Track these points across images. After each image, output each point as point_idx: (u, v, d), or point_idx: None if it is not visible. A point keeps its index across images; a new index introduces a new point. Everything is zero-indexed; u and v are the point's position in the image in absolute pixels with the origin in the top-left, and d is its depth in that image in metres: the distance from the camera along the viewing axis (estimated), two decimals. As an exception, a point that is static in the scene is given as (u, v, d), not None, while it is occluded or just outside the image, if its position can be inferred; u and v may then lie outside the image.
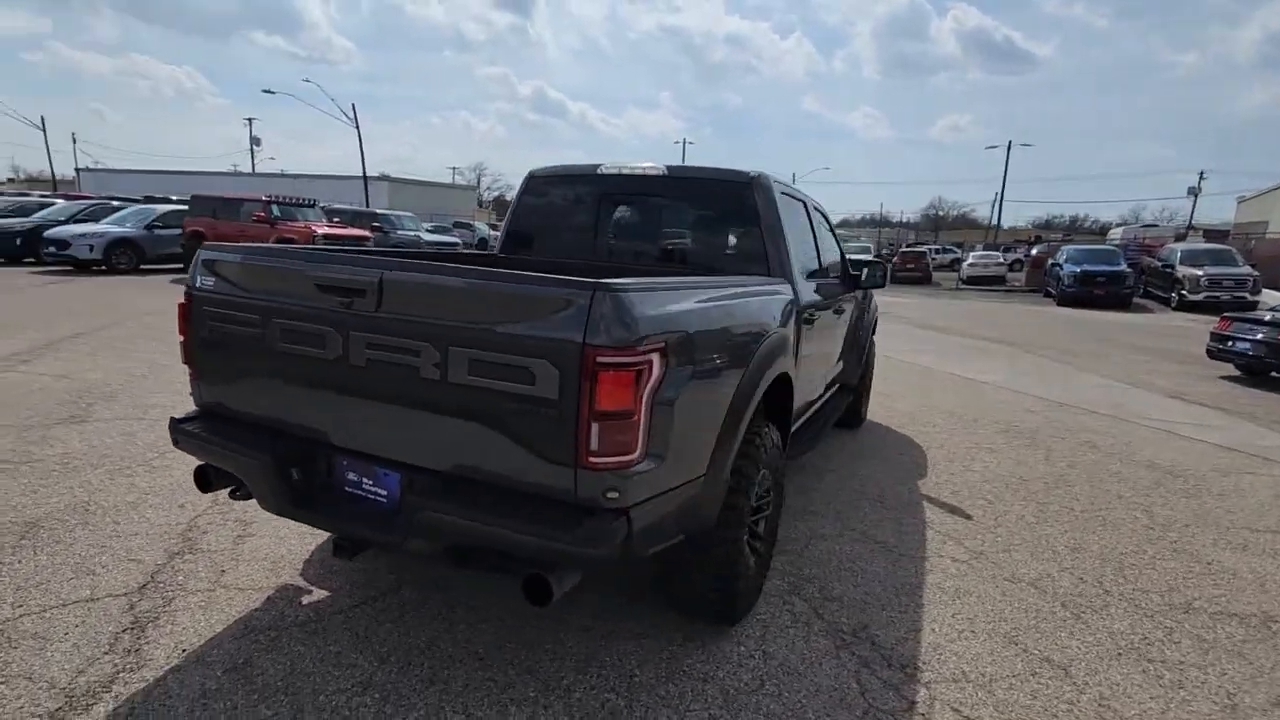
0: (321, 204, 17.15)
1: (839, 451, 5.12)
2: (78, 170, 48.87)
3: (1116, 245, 26.48)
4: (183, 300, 2.42)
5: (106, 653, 2.32)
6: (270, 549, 3.10)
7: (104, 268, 14.38)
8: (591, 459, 1.80)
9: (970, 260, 30.17)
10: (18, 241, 15.40)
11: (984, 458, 5.19)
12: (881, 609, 2.91)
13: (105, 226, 15.23)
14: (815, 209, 4.43)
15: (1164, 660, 2.65)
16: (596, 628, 2.65)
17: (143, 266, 15.00)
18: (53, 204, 19.06)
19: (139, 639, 2.40)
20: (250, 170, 53.01)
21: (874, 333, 6.16)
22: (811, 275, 3.93)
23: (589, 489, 1.83)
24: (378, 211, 22.83)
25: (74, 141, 62.26)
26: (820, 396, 4.26)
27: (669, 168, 3.51)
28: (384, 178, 42.45)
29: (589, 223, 3.68)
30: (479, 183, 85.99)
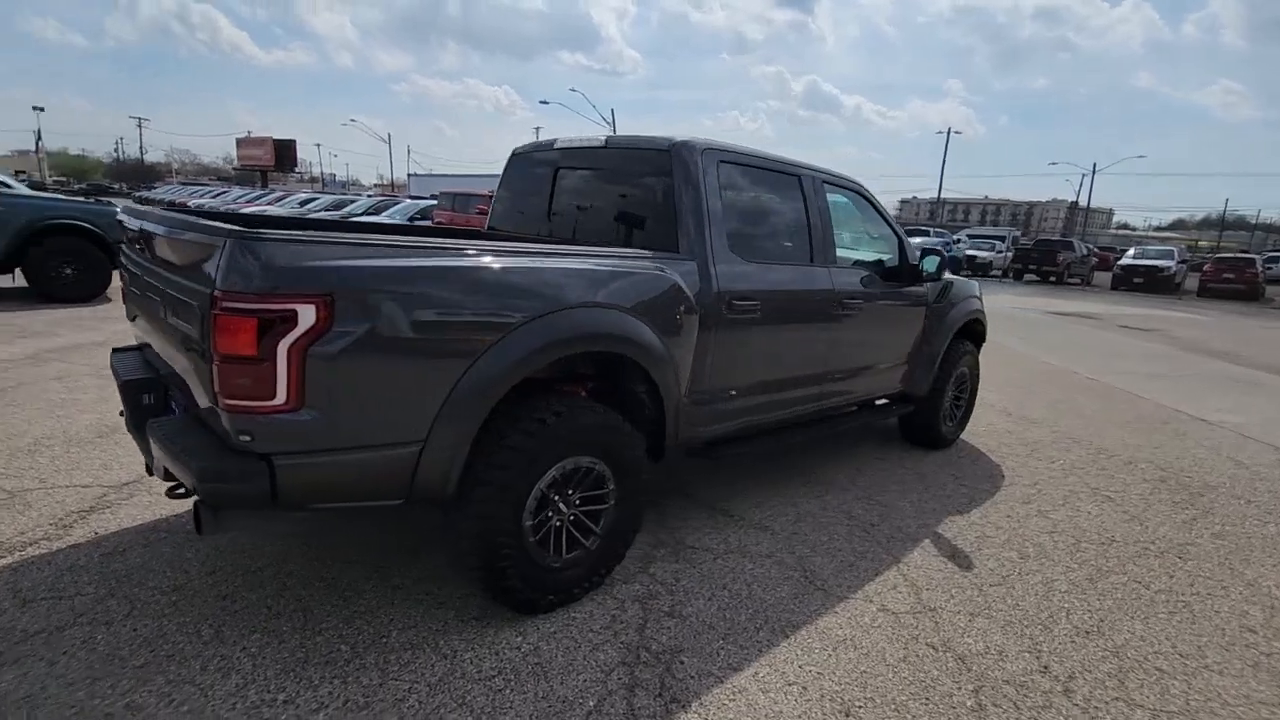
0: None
1: (859, 475, 4.41)
2: (409, 175, 59.90)
3: None
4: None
5: None
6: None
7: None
8: (223, 400, 1.86)
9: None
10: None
11: (1058, 509, 4.08)
12: (722, 640, 2.50)
13: (378, 220, 18.56)
14: (832, 190, 3.85)
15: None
16: (408, 588, 2.68)
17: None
18: (354, 200, 23.68)
19: (80, 520, 3.02)
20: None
21: (976, 340, 5.15)
22: (788, 262, 3.46)
23: (226, 430, 1.90)
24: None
25: (408, 153, 76.36)
26: (810, 402, 3.71)
27: (607, 138, 3.34)
28: None
29: (545, 196, 3.66)
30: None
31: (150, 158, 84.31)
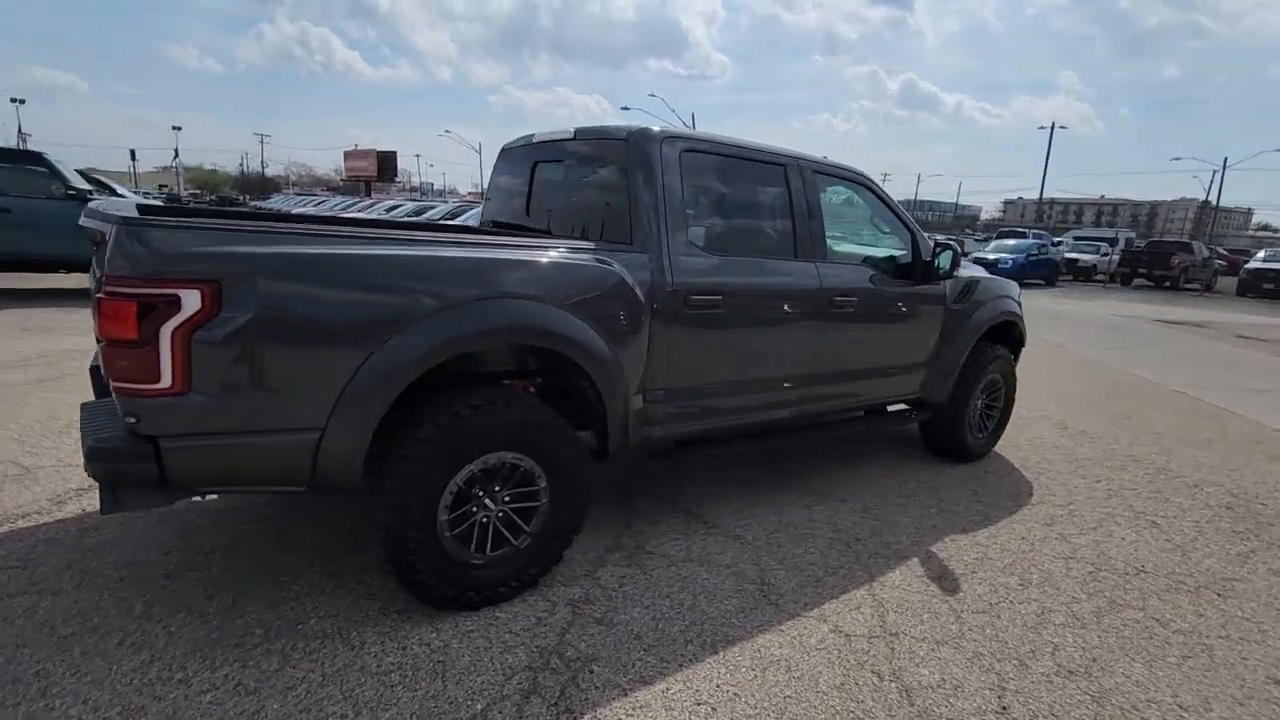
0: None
1: (865, 486, 4.11)
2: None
3: None
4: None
5: None
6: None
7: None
8: (111, 383, 1.91)
9: None
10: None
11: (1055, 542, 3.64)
12: (644, 651, 2.37)
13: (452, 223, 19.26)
14: (828, 182, 3.63)
15: None
16: (345, 576, 2.68)
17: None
18: (434, 206, 24.76)
19: None
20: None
21: (1013, 345, 4.73)
22: (764, 256, 3.28)
23: (121, 410, 1.95)
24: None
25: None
26: (794, 405, 3.49)
27: (576, 130, 3.25)
28: None
29: (524, 189, 3.62)
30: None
31: (271, 171, 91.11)
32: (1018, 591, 2.94)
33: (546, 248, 2.61)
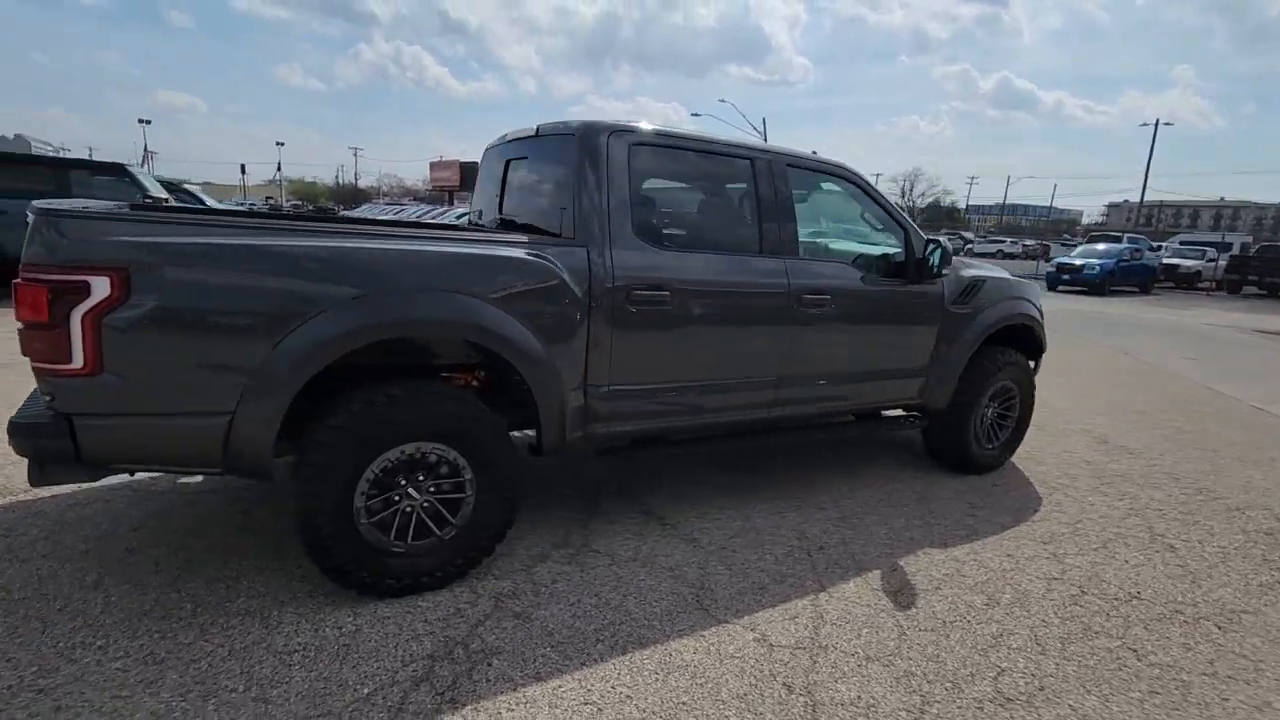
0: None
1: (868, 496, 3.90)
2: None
3: None
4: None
5: None
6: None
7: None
8: (30, 363, 2.05)
9: None
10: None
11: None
12: (551, 648, 2.33)
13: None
14: (803, 176, 3.50)
15: None
16: (290, 558, 2.76)
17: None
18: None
19: None
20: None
21: (1030, 350, 4.41)
22: (721, 252, 3.19)
23: (40, 389, 2.09)
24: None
25: None
26: (763, 408, 3.37)
27: (539, 127, 3.26)
28: None
29: (498, 187, 3.66)
30: (908, 189, 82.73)
31: (364, 182, 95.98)
32: (980, 611, 2.73)
33: (473, 241, 2.63)
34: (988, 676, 2.32)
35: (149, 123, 64.68)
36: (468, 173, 61.45)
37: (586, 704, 2.08)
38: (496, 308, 2.55)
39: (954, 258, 4.13)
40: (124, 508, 3.15)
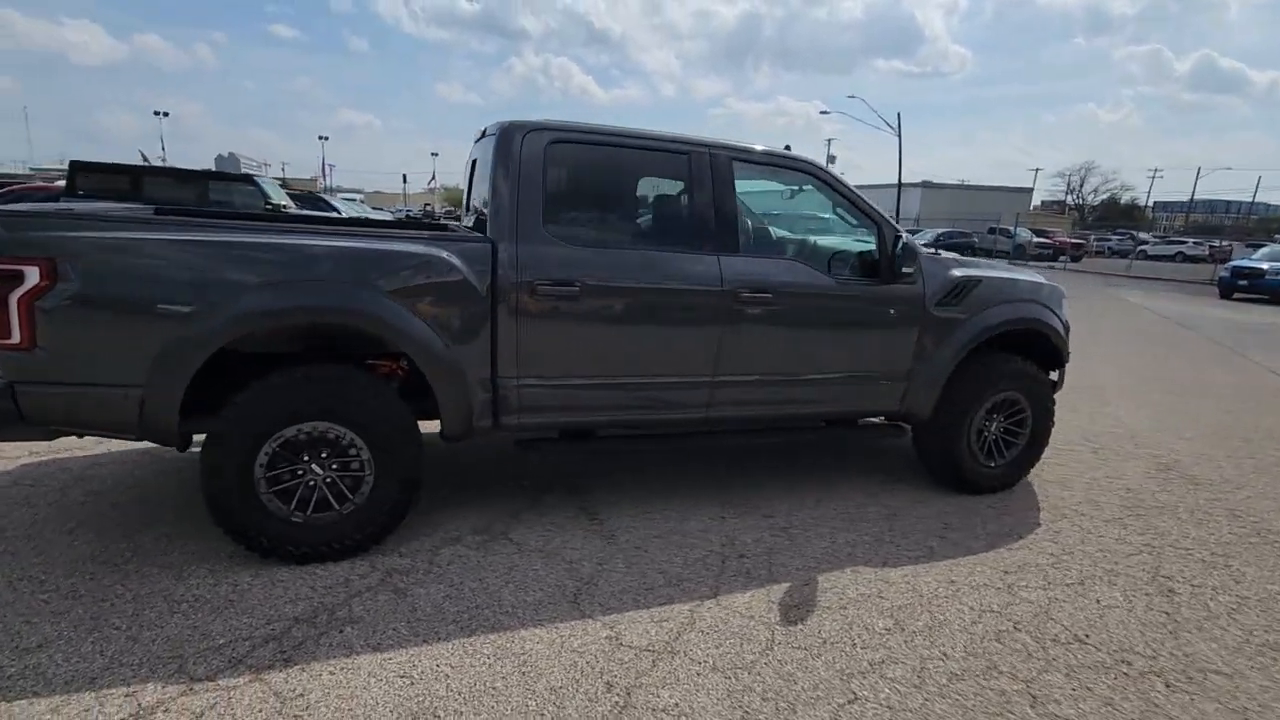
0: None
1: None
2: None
3: None
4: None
5: None
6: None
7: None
8: (-22, 338, 2.46)
9: None
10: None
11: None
12: (404, 622, 2.44)
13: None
14: (754, 170, 3.39)
15: None
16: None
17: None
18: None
19: None
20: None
21: (1046, 359, 3.95)
22: (643, 248, 3.17)
23: (-7, 362, 2.50)
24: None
25: None
26: (699, 408, 3.29)
27: (485, 128, 3.38)
28: (925, 184, 41.51)
29: (468, 186, 3.82)
30: (1077, 184, 75.08)
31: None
32: (875, 635, 2.52)
33: (374, 237, 2.80)
34: (833, 703, 2.15)
35: (326, 138, 72.68)
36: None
37: (403, 677, 2.18)
38: (392, 300, 2.70)
39: (948, 256, 3.82)
40: (128, 470, 3.64)
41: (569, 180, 3.09)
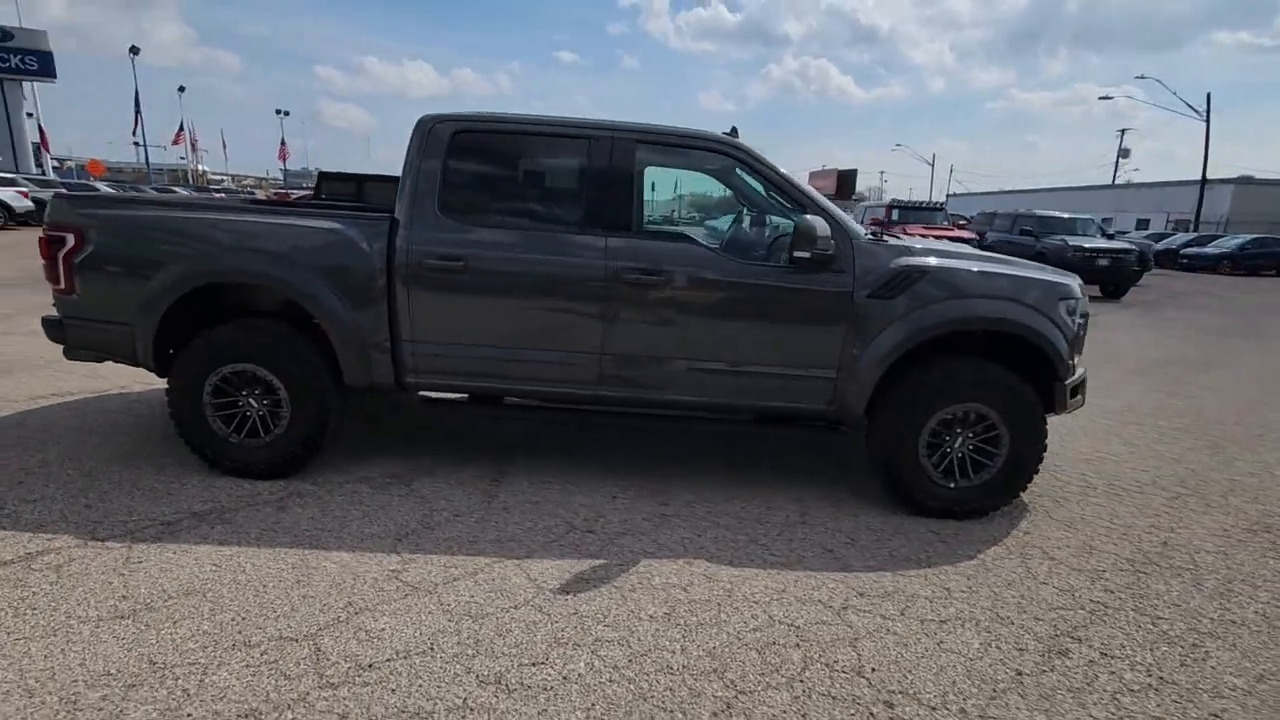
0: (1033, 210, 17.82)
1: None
2: (947, 195, 58.45)
3: None
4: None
5: None
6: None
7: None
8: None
9: None
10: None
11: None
12: (251, 533, 2.94)
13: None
14: (658, 152, 3.39)
15: None
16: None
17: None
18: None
19: None
20: (1110, 183, 51.83)
21: (1034, 364, 3.29)
22: (530, 229, 3.35)
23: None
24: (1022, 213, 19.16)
25: (950, 172, 73.25)
26: (589, 385, 3.37)
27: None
28: (1245, 180, 32.95)
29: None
30: None
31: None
32: (631, 620, 2.46)
33: (299, 216, 3.37)
34: (521, 662, 2.20)
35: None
36: (844, 180, 60.91)
37: (215, 566, 2.67)
38: (301, 266, 3.26)
39: (896, 241, 3.42)
40: (126, 407, 4.58)
41: (472, 166, 3.38)
